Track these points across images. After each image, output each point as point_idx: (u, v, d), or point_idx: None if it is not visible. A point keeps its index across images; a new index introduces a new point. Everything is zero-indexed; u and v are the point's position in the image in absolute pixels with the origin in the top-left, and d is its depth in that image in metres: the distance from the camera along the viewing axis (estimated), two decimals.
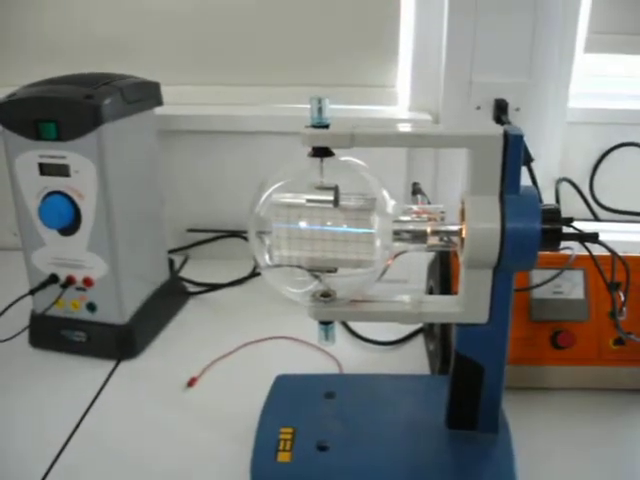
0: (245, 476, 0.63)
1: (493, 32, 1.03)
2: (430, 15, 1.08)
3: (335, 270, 0.59)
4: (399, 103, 1.17)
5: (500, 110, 1.06)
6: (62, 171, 0.80)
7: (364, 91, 1.17)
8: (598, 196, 1.21)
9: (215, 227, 1.19)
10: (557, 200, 1.17)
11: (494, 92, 1.06)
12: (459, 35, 1.05)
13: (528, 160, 1.00)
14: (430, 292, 0.86)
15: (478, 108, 1.07)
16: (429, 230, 0.58)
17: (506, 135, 0.54)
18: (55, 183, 0.81)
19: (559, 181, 1.18)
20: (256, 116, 1.13)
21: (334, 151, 0.57)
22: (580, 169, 1.21)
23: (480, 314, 0.59)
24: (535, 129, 1.06)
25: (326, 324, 0.62)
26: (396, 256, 0.60)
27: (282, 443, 0.65)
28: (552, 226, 0.56)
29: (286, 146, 1.02)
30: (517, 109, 1.06)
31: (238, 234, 1.17)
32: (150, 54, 1.16)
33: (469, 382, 0.63)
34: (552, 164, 1.16)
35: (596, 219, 1.20)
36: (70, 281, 0.86)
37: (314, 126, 0.55)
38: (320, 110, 0.55)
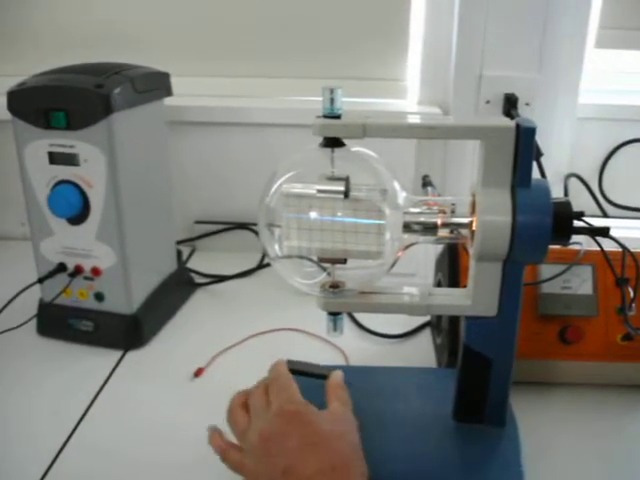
0: None
1: (504, 26, 1.03)
2: (441, 8, 1.08)
3: (345, 261, 0.59)
4: (408, 97, 1.17)
5: (510, 105, 1.05)
6: (71, 160, 0.81)
7: (373, 84, 1.17)
8: (607, 192, 1.21)
9: (222, 219, 1.19)
10: (566, 196, 1.17)
11: (504, 86, 1.06)
12: (470, 29, 1.04)
13: (538, 155, 1.00)
14: (438, 286, 0.86)
15: (488, 102, 1.07)
16: (439, 222, 0.58)
17: (518, 127, 0.53)
18: (64, 172, 0.81)
19: (568, 177, 1.17)
20: (266, 108, 1.13)
21: (345, 142, 0.57)
22: (589, 165, 1.20)
23: (489, 307, 0.59)
24: (545, 124, 1.06)
25: (335, 315, 0.62)
26: (406, 248, 0.60)
27: None
28: (563, 219, 0.55)
29: (295, 138, 1.02)
30: (527, 104, 1.06)
31: (246, 226, 1.17)
32: (161, 45, 1.16)
33: (477, 375, 0.63)
34: (561, 160, 1.16)
35: (605, 215, 1.19)
36: (78, 270, 0.86)
37: (326, 116, 0.55)
38: (332, 100, 0.55)
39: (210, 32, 1.16)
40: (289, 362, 0.65)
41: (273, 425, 0.55)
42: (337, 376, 0.64)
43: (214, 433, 0.62)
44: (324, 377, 0.65)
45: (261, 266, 1.11)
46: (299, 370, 0.66)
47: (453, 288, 0.76)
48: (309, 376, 0.66)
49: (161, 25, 1.16)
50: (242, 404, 0.62)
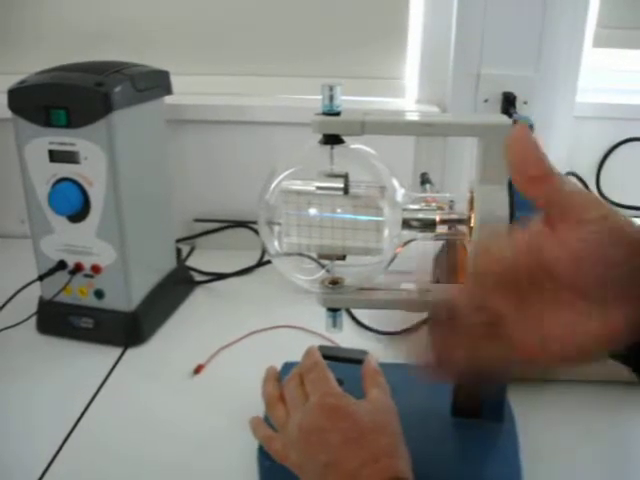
0: (252, 463, 0.64)
1: (502, 25, 1.03)
2: (439, 7, 1.08)
3: (344, 258, 0.59)
4: (407, 95, 1.18)
5: (508, 103, 1.05)
6: (72, 158, 0.81)
7: (372, 83, 1.17)
8: (605, 191, 1.21)
9: (222, 217, 1.19)
10: None
11: (502, 85, 1.06)
12: (468, 28, 1.04)
13: None
14: (436, 282, 0.86)
15: (486, 101, 1.07)
16: (438, 219, 0.58)
17: (515, 124, 0.54)
18: (65, 170, 0.82)
19: (566, 175, 1.18)
20: (264, 107, 1.13)
21: (344, 139, 0.57)
22: (587, 164, 1.20)
23: None
24: (543, 123, 1.06)
25: (334, 311, 0.62)
26: (405, 244, 0.60)
27: None
28: None
29: (294, 137, 1.02)
30: (525, 102, 1.06)
31: (245, 224, 1.17)
32: (161, 43, 1.16)
33: None
34: (559, 158, 1.16)
35: None
36: (78, 268, 0.86)
37: (325, 113, 0.55)
38: (331, 97, 0.55)
39: (210, 31, 1.16)
40: (321, 347, 0.65)
41: (312, 420, 0.55)
42: (372, 361, 0.63)
43: (258, 425, 0.61)
44: (357, 361, 0.64)
45: (260, 264, 1.11)
46: (332, 355, 0.66)
47: (451, 284, 0.76)
48: (342, 361, 0.66)
49: (161, 23, 1.16)
50: (279, 396, 0.61)
